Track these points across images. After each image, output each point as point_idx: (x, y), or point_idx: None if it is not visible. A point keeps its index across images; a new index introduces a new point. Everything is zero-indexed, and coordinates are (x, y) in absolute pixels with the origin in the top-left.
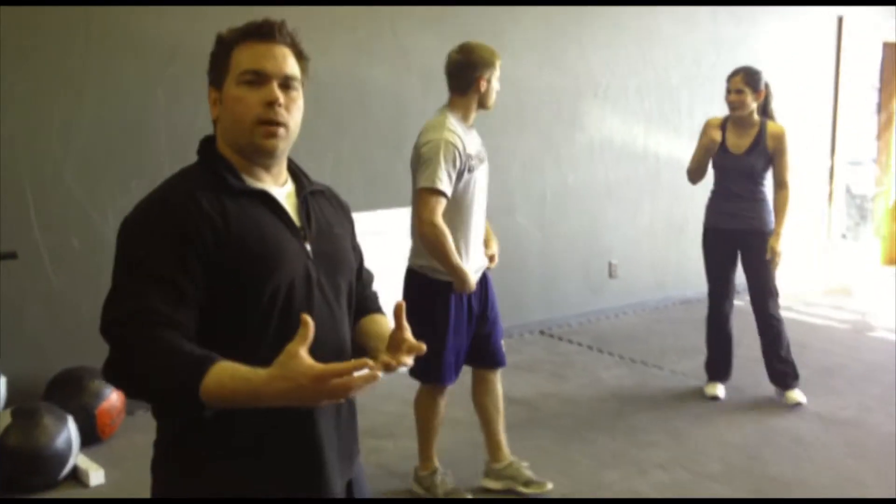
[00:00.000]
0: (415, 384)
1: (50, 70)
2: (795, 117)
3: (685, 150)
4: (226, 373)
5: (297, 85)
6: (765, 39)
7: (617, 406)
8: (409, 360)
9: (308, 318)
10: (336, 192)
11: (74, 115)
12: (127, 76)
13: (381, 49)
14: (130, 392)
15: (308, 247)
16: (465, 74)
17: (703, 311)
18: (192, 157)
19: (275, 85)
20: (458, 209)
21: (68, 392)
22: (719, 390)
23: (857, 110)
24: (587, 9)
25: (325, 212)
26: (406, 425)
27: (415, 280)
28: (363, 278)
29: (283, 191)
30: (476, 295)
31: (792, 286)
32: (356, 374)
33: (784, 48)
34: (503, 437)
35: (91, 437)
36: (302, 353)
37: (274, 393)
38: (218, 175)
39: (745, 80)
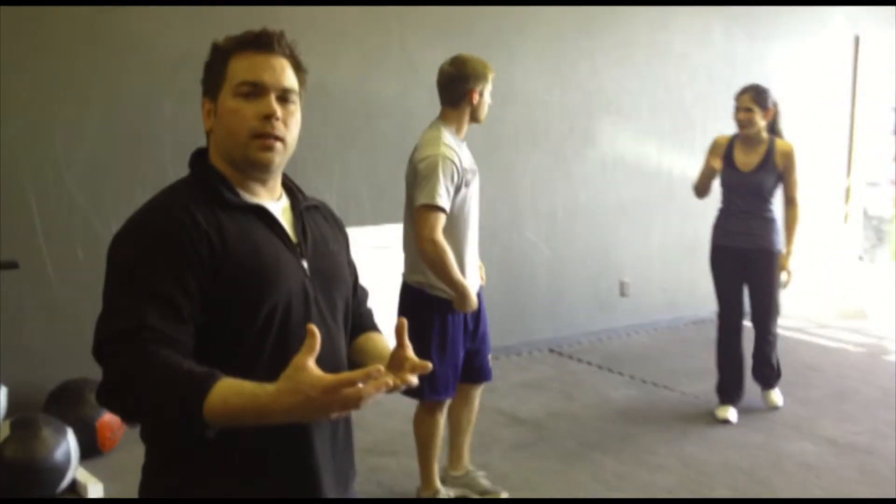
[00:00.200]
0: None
1: (54, 76)
2: (811, 137)
3: (698, 168)
4: (231, 390)
5: (296, 98)
6: (780, 58)
7: (625, 428)
8: (414, 380)
9: (314, 329)
10: (330, 207)
11: (79, 123)
12: (132, 84)
13: (389, 63)
14: (128, 415)
15: (304, 264)
16: (458, 87)
17: (715, 331)
18: None
19: (272, 98)
20: (455, 224)
21: (69, 404)
22: (730, 414)
23: (873, 131)
24: (599, 25)
25: (321, 228)
26: (409, 443)
27: (411, 296)
28: (358, 295)
29: (278, 206)
30: (472, 314)
31: (805, 308)
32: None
33: (800, 67)
34: (467, 448)
35: (91, 450)
36: (310, 364)
37: (283, 408)
38: (212, 188)
39: (754, 99)
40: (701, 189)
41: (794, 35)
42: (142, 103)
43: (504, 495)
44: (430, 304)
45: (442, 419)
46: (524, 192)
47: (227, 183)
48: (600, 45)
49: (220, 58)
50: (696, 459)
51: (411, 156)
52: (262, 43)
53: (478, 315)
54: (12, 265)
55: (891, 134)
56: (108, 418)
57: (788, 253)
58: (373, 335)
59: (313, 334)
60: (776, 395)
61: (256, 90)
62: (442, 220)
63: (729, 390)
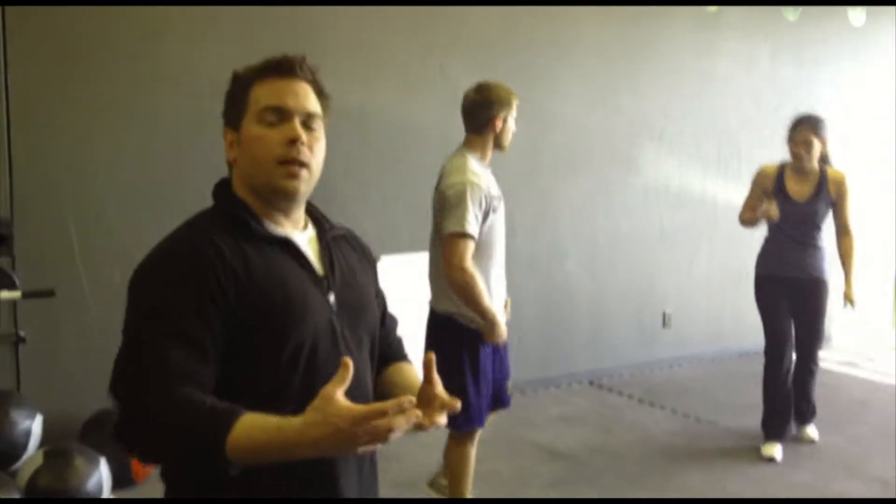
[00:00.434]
0: None
1: (95, 103)
2: (859, 163)
3: (744, 196)
4: (255, 425)
5: (320, 124)
6: (828, 82)
7: (666, 464)
8: (443, 420)
9: (349, 362)
10: (357, 235)
11: (119, 149)
12: (173, 110)
13: (429, 89)
14: (147, 454)
15: (331, 298)
16: (482, 113)
17: (761, 364)
18: None
19: (297, 122)
20: (482, 251)
21: (103, 433)
22: (777, 451)
23: None
24: (642, 49)
25: (348, 258)
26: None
27: (441, 325)
28: (387, 325)
29: (304, 236)
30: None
31: (856, 341)
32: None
33: (849, 91)
34: None
35: (125, 480)
36: (339, 395)
37: (310, 441)
38: (238, 220)
39: (813, 131)
40: (750, 223)
41: (842, 58)
42: (182, 130)
43: None
44: (460, 333)
45: (474, 449)
46: (564, 219)
47: (252, 213)
48: (643, 70)
49: (241, 86)
50: (740, 499)
51: (437, 183)
52: (285, 68)
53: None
54: (48, 293)
55: None
56: None
57: (850, 283)
58: (402, 366)
59: (346, 366)
60: (812, 430)
61: (280, 115)
62: (471, 247)
63: (776, 425)
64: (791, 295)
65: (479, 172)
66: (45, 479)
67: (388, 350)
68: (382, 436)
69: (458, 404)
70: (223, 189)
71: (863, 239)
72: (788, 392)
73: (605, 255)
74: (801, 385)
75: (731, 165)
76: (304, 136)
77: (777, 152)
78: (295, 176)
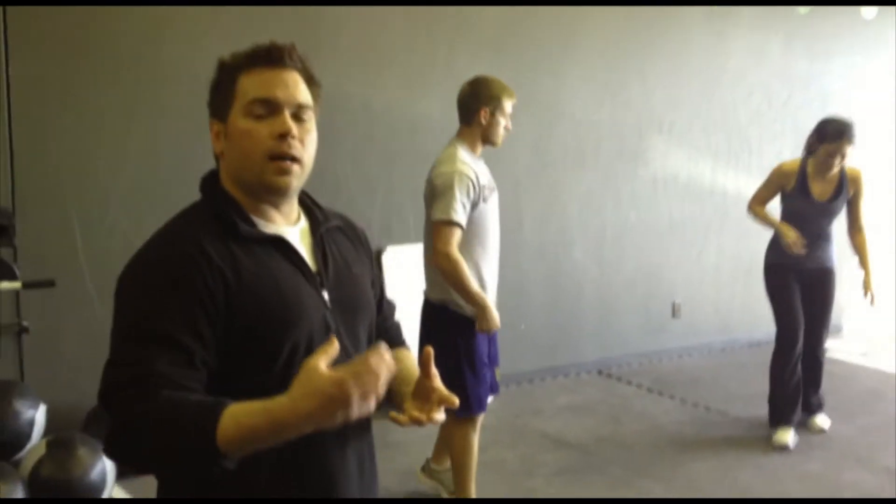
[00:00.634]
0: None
1: (98, 102)
2: (871, 158)
3: (754, 188)
4: (241, 410)
5: (311, 114)
6: (841, 76)
7: (675, 454)
8: (441, 416)
9: (334, 338)
10: (351, 220)
11: (122, 147)
12: (175, 109)
13: (434, 81)
14: (140, 463)
15: (325, 295)
16: (469, 106)
17: (771, 354)
18: None
19: (287, 115)
20: (474, 239)
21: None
22: (790, 437)
23: None
24: (650, 42)
25: (343, 250)
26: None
27: (435, 313)
28: (383, 311)
29: (296, 230)
30: None
31: (868, 331)
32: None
33: (861, 86)
34: None
35: (128, 470)
36: (322, 365)
37: (303, 415)
38: (226, 218)
39: (852, 142)
40: (758, 220)
41: (854, 52)
42: (183, 126)
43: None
44: (454, 320)
45: (476, 436)
46: (572, 211)
47: (241, 210)
48: (651, 62)
49: (227, 76)
50: (750, 489)
51: (429, 173)
52: (274, 58)
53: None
54: (49, 283)
55: None
56: None
57: (869, 275)
58: (399, 353)
59: (332, 341)
60: (823, 420)
61: (269, 108)
62: (458, 234)
63: (787, 412)
64: (802, 284)
65: (469, 162)
66: (48, 468)
67: (385, 336)
68: (373, 386)
69: (456, 400)
70: (211, 183)
71: (878, 232)
72: (799, 379)
73: (613, 246)
74: (811, 374)
75: (741, 158)
76: (294, 129)
77: (788, 145)
78: (286, 171)
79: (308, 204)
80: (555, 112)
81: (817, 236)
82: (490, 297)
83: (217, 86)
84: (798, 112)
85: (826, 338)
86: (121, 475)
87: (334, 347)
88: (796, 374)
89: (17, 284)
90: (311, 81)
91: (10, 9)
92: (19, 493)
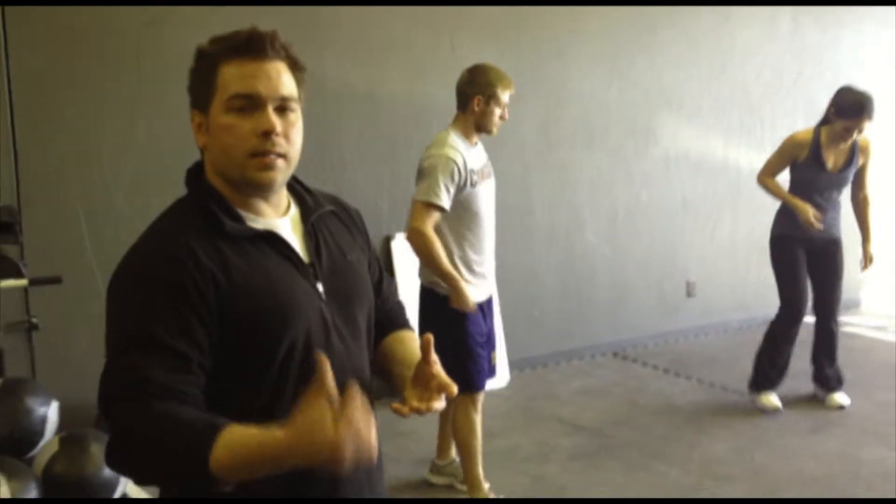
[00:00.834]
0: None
1: (100, 94)
2: (887, 129)
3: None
4: (236, 440)
5: (296, 105)
6: (852, 48)
7: (692, 436)
8: (441, 404)
9: (323, 358)
10: (343, 201)
11: (126, 137)
12: (178, 98)
13: (439, 66)
14: (138, 477)
15: (320, 287)
16: (464, 93)
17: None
18: None
19: (270, 110)
20: (463, 222)
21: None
22: (777, 400)
23: None
24: (657, 18)
25: (336, 236)
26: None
27: (426, 297)
28: (383, 292)
29: (286, 221)
30: (487, 312)
31: (887, 305)
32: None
33: (875, 56)
34: (453, 440)
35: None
36: (322, 410)
37: (296, 458)
38: (213, 216)
39: (871, 117)
40: (769, 192)
41: (867, 22)
42: (187, 118)
43: (486, 486)
44: (442, 301)
45: (478, 415)
46: (582, 192)
47: (228, 205)
48: (659, 39)
49: (207, 65)
50: (768, 469)
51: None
52: (254, 48)
53: (489, 317)
54: (55, 280)
55: None
56: None
57: (869, 242)
58: (401, 335)
59: (322, 363)
60: (842, 397)
61: (251, 103)
62: (434, 216)
63: (774, 378)
64: (810, 255)
65: (458, 147)
66: (61, 465)
67: (386, 318)
68: (367, 450)
69: (455, 389)
70: (196, 176)
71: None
72: (791, 352)
73: (625, 226)
74: (826, 348)
75: (753, 133)
76: (278, 125)
77: (800, 118)
78: (270, 167)
79: (298, 190)
80: (562, 93)
81: (827, 206)
82: (487, 281)
83: (196, 74)
84: (811, 84)
85: (838, 308)
86: None
87: (325, 371)
88: (792, 346)
89: (23, 282)
90: (295, 67)
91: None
92: (32, 491)
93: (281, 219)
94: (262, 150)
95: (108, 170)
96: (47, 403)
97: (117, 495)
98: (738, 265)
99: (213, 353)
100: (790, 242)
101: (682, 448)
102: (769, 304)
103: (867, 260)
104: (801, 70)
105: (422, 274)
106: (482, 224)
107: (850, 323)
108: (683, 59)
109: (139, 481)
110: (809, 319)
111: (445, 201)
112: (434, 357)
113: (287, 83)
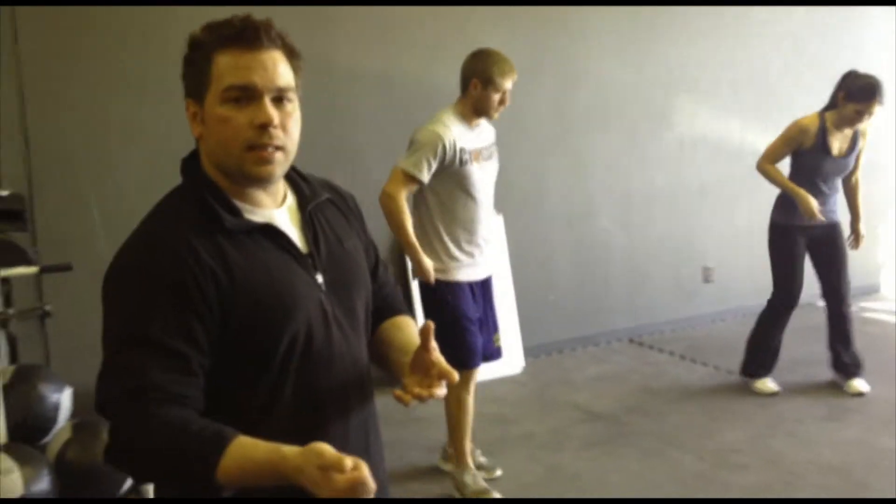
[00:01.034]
0: (490, 397)
1: (109, 80)
2: None
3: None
4: (245, 456)
5: (293, 95)
6: (875, 25)
7: (708, 423)
8: (442, 391)
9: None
10: (337, 186)
11: (135, 124)
12: None
13: (451, 49)
14: (139, 478)
15: (319, 277)
16: (464, 75)
17: (809, 318)
18: None
19: (266, 102)
20: (454, 198)
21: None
22: (773, 384)
23: None
24: None
25: (334, 225)
26: (477, 439)
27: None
28: (380, 277)
29: (283, 211)
30: (479, 293)
31: None
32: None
33: (892, 31)
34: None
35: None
36: (330, 471)
37: (303, 483)
38: (210, 210)
39: (882, 102)
40: (768, 179)
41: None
42: None
43: (498, 472)
44: (436, 281)
45: (470, 396)
46: (597, 177)
47: (225, 198)
48: (673, 19)
49: (201, 54)
50: (784, 458)
51: None
52: (249, 37)
53: (485, 299)
54: (66, 268)
55: None
56: None
57: (858, 219)
58: (399, 322)
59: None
60: (861, 383)
61: (247, 94)
62: (410, 187)
63: (767, 362)
64: (812, 243)
65: (451, 126)
66: (73, 451)
67: (384, 303)
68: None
69: (456, 376)
70: (192, 167)
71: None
72: (782, 336)
73: (640, 211)
74: (841, 334)
75: (771, 115)
76: (275, 117)
77: (820, 99)
78: (267, 161)
79: (294, 178)
80: (575, 75)
81: (830, 192)
82: (481, 262)
83: (190, 63)
84: (831, 64)
85: (848, 292)
86: None
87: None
88: (782, 333)
89: (33, 269)
90: (291, 56)
91: None
92: (45, 478)
93: (278, 209)
94: (260, 142)
95: (116, 153)
96: (60, 390)
97: (129, 481)
98: (755, 250)
99: (212, 352)
100: (791, 233)
101: (697, 435)
102: None
103: (857, 238)
104: (820, 46)
105: None
106: (473, 204)
107: (869, 308)
108: (700, 39)
109: (139, 481)
110: (822, 304)
111: (425, 175)
112: (434, 344)
113: (283, 73)
